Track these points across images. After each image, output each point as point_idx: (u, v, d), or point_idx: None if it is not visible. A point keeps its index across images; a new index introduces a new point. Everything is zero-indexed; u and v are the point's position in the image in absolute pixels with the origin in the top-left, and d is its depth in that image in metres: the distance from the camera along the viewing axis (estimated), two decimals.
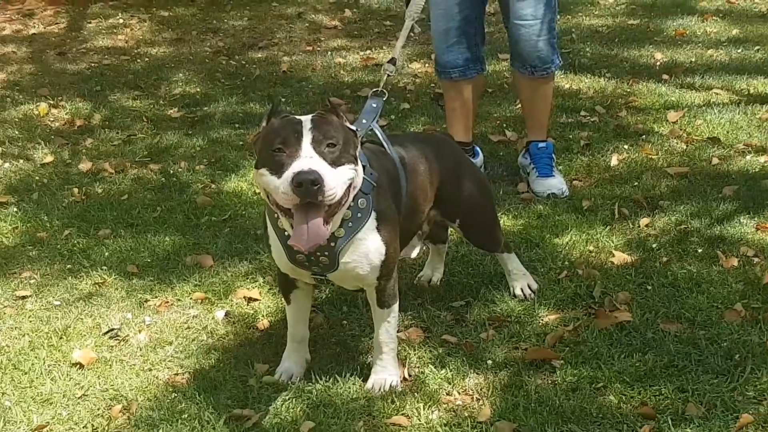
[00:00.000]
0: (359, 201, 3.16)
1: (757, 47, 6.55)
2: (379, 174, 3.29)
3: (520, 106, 5.31)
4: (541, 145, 4.93)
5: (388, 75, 3.88)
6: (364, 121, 3.55)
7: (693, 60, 6.41)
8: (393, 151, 3.48)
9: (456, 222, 3.79)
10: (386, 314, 3.40)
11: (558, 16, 4.87)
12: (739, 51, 6.52)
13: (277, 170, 2.92)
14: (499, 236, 3.95)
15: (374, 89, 3.73)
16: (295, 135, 2.94)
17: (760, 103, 5.68)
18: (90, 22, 8.19)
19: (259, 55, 7.25)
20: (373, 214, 3.21)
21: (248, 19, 8.24)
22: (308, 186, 2.84)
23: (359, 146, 3.14)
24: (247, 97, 6.40)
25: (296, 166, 2.88)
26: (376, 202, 3.22)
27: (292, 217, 2.97)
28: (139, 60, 7.32)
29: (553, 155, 4.94)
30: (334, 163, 2.94)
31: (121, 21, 8.18)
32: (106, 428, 3.35)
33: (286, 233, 3.14)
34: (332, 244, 3.16)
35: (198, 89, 6.66)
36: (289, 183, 2.86)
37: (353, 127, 3.14)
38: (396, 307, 3.42)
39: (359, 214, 3.17)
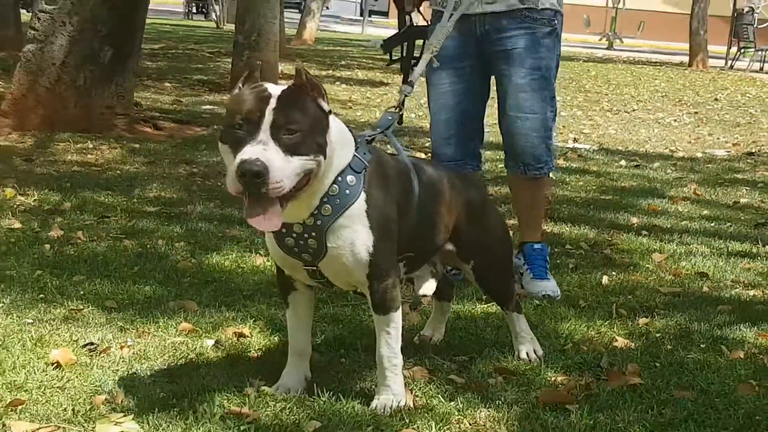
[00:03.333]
0: (348, 178, 3.04)
1: (729, 224, 6.65)
2: (379, 164, 3.17)
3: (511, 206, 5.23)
4: (536, 246, 4.86)
5: (405, 96, 3.84)
6: (378, 129, 3.48)
7: (669, 226, 6.47)
8: (405, 157, 3.39)
9: (470, 264, 3.66)
10: (385, 322, 3.21)
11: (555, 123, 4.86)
12: (713, 225, 6.60)
13: (234, 148, 2.81)
14: (513, 291, 3.82)
15: (390, 106, 3.69)
16: (257, 113, 2.81)
17: (741, 257, 5.70)
18: (58, 144, 8.08)
19: None
20: (363, 196, 3.06)
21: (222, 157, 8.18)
22: (251, 178, 2.73)
23: (329, 129, 2.97)
24: (225, 204, 6.27)
25: (245, 153, 2.75)
26: (368, 184, 3.08)
27: None
28: (110, 171, 7.18)
29: (548, 258, 4.86)
30: (291, 150, 2.81)
31: (90, 146, 8.06)
32: (88, 413, 3.06)
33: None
34: (318, 222, 3.03)
35: (174, 195, 6.52)
36: (234, 170, 2.75)
37: (326, 107, 2.99)
38: (396, 316, 3.22)
39: (347, 191, 3.03)
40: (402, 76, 4.88)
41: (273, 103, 2.84)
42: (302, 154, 2.84)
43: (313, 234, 3.05)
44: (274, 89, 2.91)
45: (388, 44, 5.03)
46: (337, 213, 3.03)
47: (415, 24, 4.85)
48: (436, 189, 3.43)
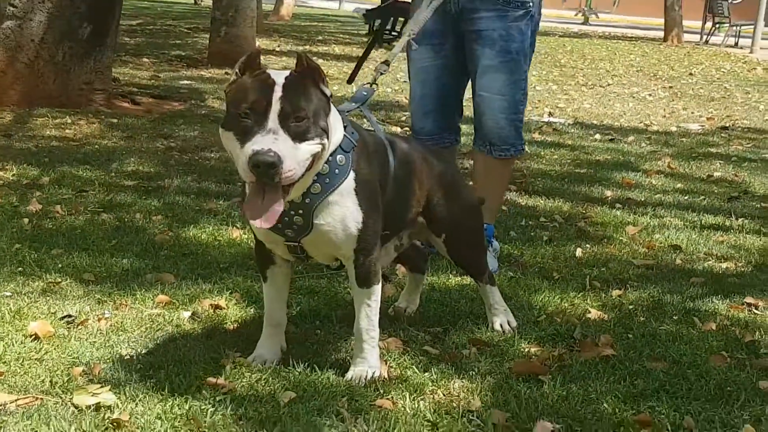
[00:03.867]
0: (338, 157, 3.07)
1: (702, 197, 6.70)
2: (364, 142, 3.20)
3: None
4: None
5: (381, 73, 3.86)
6: (353, 104, 3.51)
7: (642, 199, 6.52)
8: (381, 133, 3.42)
9: (442, 237, 3.69)
10: (366, 295, 3.25)
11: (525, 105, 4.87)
12: (686, 198, 6.65)
13: (242, 137, 2.83)
14: (485, 263, 3.86)
15: (365, 83, 3.71)
16: (264, 102, 2.84)
17: (714, 230, 5.75)
18: (37, 120, 8.06)
19: (212, 155, 7.17)
20: (352, 174, 3.11)
21: (199, 131, 8.18)
22: (265, 168, 2.76)
23: (330, 113, 3.02)
24: (203, 178, 6.28)
25: (257, 143, 2.79)
26: (356, 162, 3.12)
27: None
28: (88, 146, 7.17)
29: (492, 239, 4.82)
30: (300, 137, 2.85)
31: (69, 121, 8.05)
32: (66, 384, 3.08)
33: None
34: (307, 200, 3.06)
35: (151, 169, 6.52)
36: (247, 160, 2.78)
37: (328, 92, 3.02)
38: (377, 288, 3.27)
39: (337, 171, 3.07)
40: (377, 47, 4.87)
41: (279, 91, 2.86)
42: (309, 139, 2.88)
43: (300, 212, 3.08)
44: (277, 76, 2.93)
45: (370, 15, 5.03)
46: (327, 191, 3.07)
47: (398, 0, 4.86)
48: (409, 164, 3.47)
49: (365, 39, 19.28)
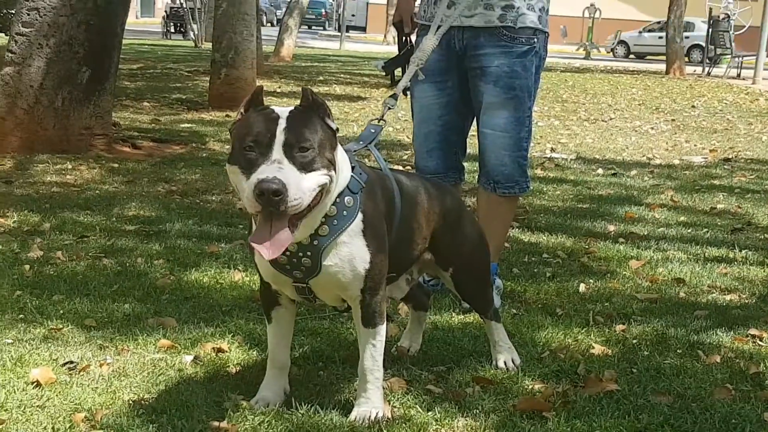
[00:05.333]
0: (345, 199, 3.07)
1: (705, 229, 6.69)
2: (372, 182, 3.20)
3: None
4: None
5: (389, 108, 3.85)
6: (361, 142, 3.51)
7: (645, 233, 6.51)
8: (389, 172, 3.42)
9: (449, 271, 3.69)
10: (371, 335, 3.24)
11: (531, 143, 4.88)
12: (689, 230, 6.64)
13: (247, 170, 2.83)
14: (490, 299, 3.86)
15: (373, 119, 3.71)
16: (268, 135, 2.84)
17: (718, 262, 5.74)
18: (37, 166, 8.08)
19: (214, 198, 7.18)
20: (360, 216, 3.10)
21: (201, 174, 8.19)
22: (269, 196, 2.75)
23: (337, 148, 3.02)
24: (204, 221, 6.29)
25: (261, 172, 2.78)
26: (364, 204, 3.12)
27: None
28: (89, 191, 7.19)
29: (495, 277, 4.73)
30: (305, 168, 2.84)
31: (69, 167, 8.07)
32: (68, 431, 3.07)
33: None
34: (315, 242, 3.05)
35: (152, 213, 6.53)
36: (252, 190, 2.77)
37: (333, 126, 3.02)
38: (383, 329, 3.26)
39: (345, 212, 3.06)
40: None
41: (283, 123, 2.87)
42: (315, 170, 2.87)
43: (309, 253, 3.07)
44: (282, 111, 2.94)
45: (389, 65, 5.05)
46: (335, 234, 3.06)
47: (413, 45, 4.86)
48: (415, 201, 3.46)
49: (366, 80, 19.36)
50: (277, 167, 2.79)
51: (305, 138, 2.87)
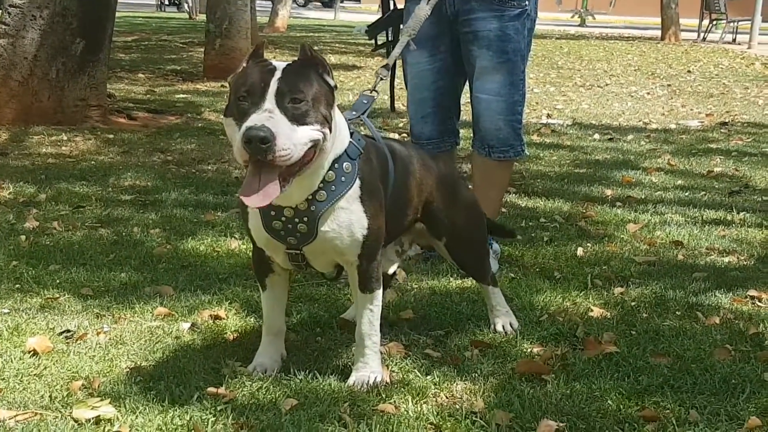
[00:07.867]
0: (344, 165, 3.04)
1: (703, 192, 6.68)
2: (369, 151, 3.18)
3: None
4: None
5: (381, 78, 3.82)
6: (353, 112, 3.48)
7: (643, 197, 6.49)
8: (382, 141, 3.39)
9: (442, 240, 3.66)
10: (368, 300, 3.22)
11: (525, 107, 4.84)
12: (687, 194, 6.63)
13: (240, 120, 2.80)
14: (487, 266, 3.83)
15: (365, 90, 3.67)
16: (261, 84, 2.81)
17: (716, 225, 5.73)
18: (32, 137, 8.04)
19: (210, 167, 7.15)
20: (358, 182, 3.07)
21: (196, 144, 8.17)
22: (257, 144, 2.71)
23: (334, 106, 2.98)
24: (200, 190, 6.26)
25: (251, 121, 2.75)
26: (362, 170, 3.09)
27: None
28: (84, 162, 7.16)
29: (493, 242, 4.76)
30: (297, 120, 2.80)
31: (64, 138, 8.04)
32: (65, 399, 3.06)
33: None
34: (312, 208, 3.02)
35: (148, 183, 6.50)
36: (240, 137, 2.74)
37: (331, 83, 2.98)
38: (380, 293, 3.25)
39: (343, 178, 3.04)
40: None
41: (278, 74, 2.84)
42: (308, 123, 2.83)
43: (305, 219, 3.04)
44: (279, 64, 2.92)
45: (372, 30, 5.00)
46: (333, 199, 3.03)
47: (397, 7, 4.82)
48: (407, 170, 3.43)
49: (361, 49, 19.29)
50: (267, 116, 2.76)
51: (299, 89, 2.83)
